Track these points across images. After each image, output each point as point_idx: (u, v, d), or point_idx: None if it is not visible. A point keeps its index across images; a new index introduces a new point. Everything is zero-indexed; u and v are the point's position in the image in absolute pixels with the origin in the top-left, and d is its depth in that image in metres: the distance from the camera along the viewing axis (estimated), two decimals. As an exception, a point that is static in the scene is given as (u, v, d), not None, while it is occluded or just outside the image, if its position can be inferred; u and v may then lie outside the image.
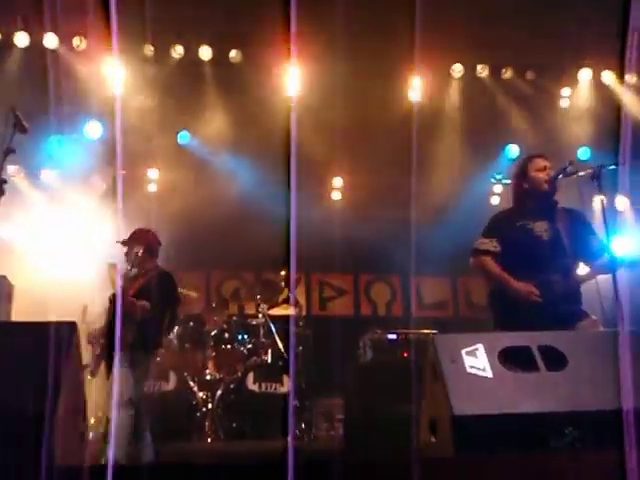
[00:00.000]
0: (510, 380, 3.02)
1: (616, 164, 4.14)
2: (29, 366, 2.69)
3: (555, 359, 3.12)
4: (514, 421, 2.88)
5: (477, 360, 3.07)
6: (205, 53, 8.34)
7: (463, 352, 3.10)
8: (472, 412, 2.87)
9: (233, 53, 8.41)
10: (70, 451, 2.77)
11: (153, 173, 8.53)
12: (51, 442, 2.54)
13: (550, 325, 3.89)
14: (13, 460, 2.47)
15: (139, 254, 5.16)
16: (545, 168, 4.43)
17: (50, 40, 8.02)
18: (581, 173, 4.19)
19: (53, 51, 8.08)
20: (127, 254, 5.24)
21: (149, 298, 4.93)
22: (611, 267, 3.97)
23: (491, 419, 2.87)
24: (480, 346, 3.12)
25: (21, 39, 7.99)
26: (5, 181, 3.69)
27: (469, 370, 3.03)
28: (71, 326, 2.92)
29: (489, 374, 3.02)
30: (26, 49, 8.05)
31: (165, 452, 5.29)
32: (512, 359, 3.14)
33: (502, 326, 4.29)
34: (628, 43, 6.68)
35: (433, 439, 3.14)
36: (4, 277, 6.15)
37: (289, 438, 5.90)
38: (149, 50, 8.22)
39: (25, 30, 8.00)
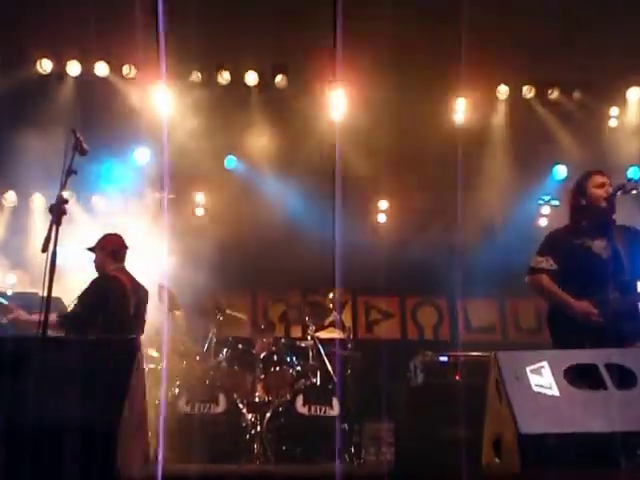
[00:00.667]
0: (578, 398, 2.94)
1: (678, 180, 4.06)
2: (93, 381, 2.71)
3: (624, 377, 3.04)
4: (583, 440, 2.80)
5: (542, 378, 3.00)
6: (251, 78, 8.45)
7: (528, 370, 3.03)
8: (539, 431, 2.80)
9: (279, 78, 8.51)
10: (132, 466, 2.78)
11: (200, 197, 8.63)
12: (115, 456, 2.55)
13: (610, 343, 3.81)
14: (79, 475, 2.48)
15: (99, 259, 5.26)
16: (604, 185, 4.37)
17: (101, 68, 8.23)
18: (641, 190, 4.12)
19: (104, 79, 8.30)
20: (95, 261, 5.31)
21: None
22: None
23: (559, 438, 2.80)
24: (545, 364, 3.06)
25: (73, 68, 8.21)
26: (67, 201, 3.77)
27: (535, 388, 2.97)
28: (134, 343, 2.94)
29: (556, 392, 2.95)
30: (78, 77, 8.26)
31: (214, 474, 5.26)
32: (579, 377, 3.07)
33: (561, 345, 4.21)
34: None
35: (497, 458, 3.07)
36: (59, 299, 6.24)
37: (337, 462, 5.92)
38: (196, 76, 8.38)
39: (77, 59, 8.23)
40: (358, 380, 6.74)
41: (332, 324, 7.44)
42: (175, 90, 8.36)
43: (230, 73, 8.45)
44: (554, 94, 8.74)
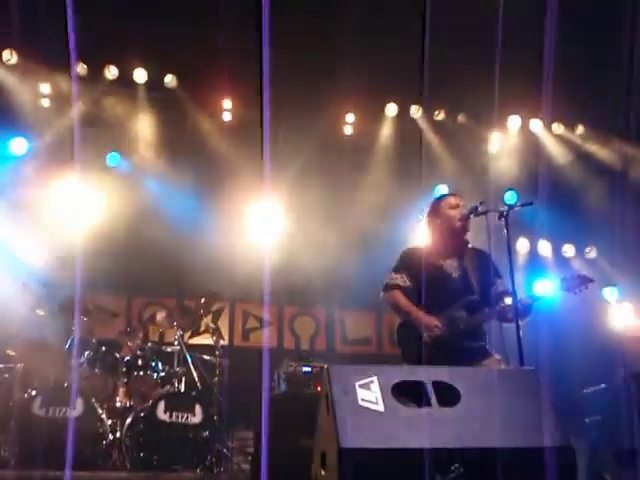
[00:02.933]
0: (401, 414, 2.99)
1: (524, 205, 4.24)
2: None
3: (449, 395, 3.12)
4: (401, 456, 2.85)
5: (370, 393, 3.04)
6: (140, 76, 8.27)
7: (357, 384, 3.07)
8: (359, 445, 2.83)
9: (169, 78, 8.38)
10: None
11: (78, 194, 8.33)
12: None
13: (454, 361, 3.92)
14: None
15: None
16: (457, 206, 4.51)
17: (-22, 52, 7.86)
18: (490, 212, 4.27)
19: (-19, 63, 7.92)
20: None
21: None
22: (513, 311, 4.04)
23: (378, 453, 2.84)
24: (375, 379, 3.10)
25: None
26: None
27: (361, 403, 3.00)
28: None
29: (380, 408, 3.00)
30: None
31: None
32: (406, 393, 3.13)
33: (408, 360, 4.32)
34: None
35: (322, 471, 3.09)
36: None
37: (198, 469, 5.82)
38: (82, 68, 8.12)
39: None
40: (225, 388, 6.67)
41: (208, 330, 7.36)
42: (59, 81, 8.07)
43: (118, 69, 8.25)
44: (440, 116, 9.01)
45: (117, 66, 8.23)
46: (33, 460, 5.45)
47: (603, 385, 6.46)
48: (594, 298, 8.15)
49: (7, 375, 6.14)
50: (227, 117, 8.49)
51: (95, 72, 8.19)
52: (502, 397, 3.17)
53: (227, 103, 8.46)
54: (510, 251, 4.07)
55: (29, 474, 5.42)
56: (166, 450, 5.87)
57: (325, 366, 3.29)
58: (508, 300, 4.22)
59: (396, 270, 4.54)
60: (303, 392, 5.85)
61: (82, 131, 8.01)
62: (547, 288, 7.36)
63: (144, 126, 8.42)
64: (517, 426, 3.05)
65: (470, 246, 4.53)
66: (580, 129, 9.22)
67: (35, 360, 6.20)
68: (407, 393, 3.13)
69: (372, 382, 3.08)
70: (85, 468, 5.63)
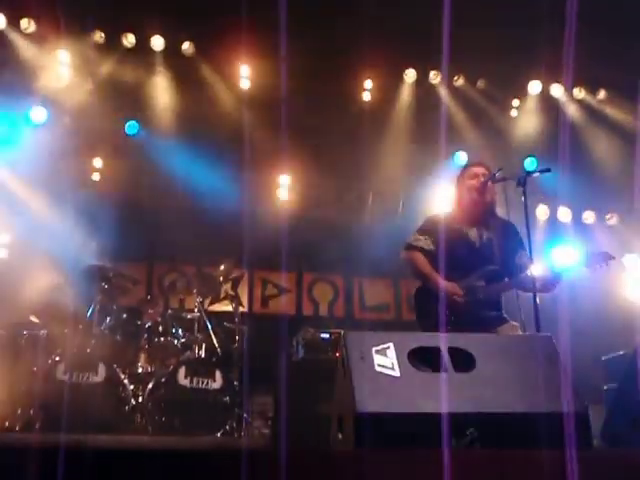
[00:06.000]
0: (417, 380, 3.02)
1: (542, 172, 4.21)
2: None
3: (464, 361, 3.13)
4: (417, 420, 2.88)
5: (386, 359, 3.07)
6: (157, 43, 8.25)
7: (373, 350, 3.09)
8: (375, 410, 2.87)
9: (186, 45, 8.35)
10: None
11: (98, 162, 8.39)
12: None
13: (470, 328, 3.94)
14: None
15: None
16: (477, 176, 4.49)
17: (-3, 20, 7.87)
18: (508, 180, 4.25)
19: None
20: None
21: None
22: (531, 283, 4.03)
23: (394, 418, 2.87)
24: (391, 345, 3.12)
25: (-34, 17, 7.82)
26: None
27: (377, 368, 3.03)
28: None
29: (397, 373, 3.02)
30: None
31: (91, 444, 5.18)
32: (422, 359, 3.15)
33: (425, 326, 4.34)
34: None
35: (340, 434, 3.13)
36: None
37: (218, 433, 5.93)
38: (100, 36, 8.11)
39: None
40: (245, 354, 6.74)
41: (227, 297, 7.43)
42: (77, 49, 8.07)
43: (135, 36, 8.23)
44: (459, 81, 8.91)
45: (134, 33, 8.20)
46: (57, 424, 5.57)
47: (621, 352, 6.46)
48: (613, 265, 8.09)
49: (31, 341, 6.25)
50: (245, 84, 8.44)
51: (112, 40, 8.18)
52: (517, 362, 3.19)
53: (245, 70, 8.39)
54: (527, 218, 4.05)
55: (53, 437, 5.55)
56: (187, 415, 5.98)
57: (342, 332, 3.31)
58: (530, 271, 4.19)
59: (421, 232, 4.55)
60: (321, 358, 5.90)
61: (100, 99, 8.06)
62: (567, 258, 7.33)
63: (162, 94, 8.40)
64: (532, 391, 3.06)
65: (499, 217, 4.51)
66: (602, 94, 9.07)
67: (58, 327, 6.31)
68: (423, 359, 3.16)
69: (388, 348, 3.10)
70: (108, 432, 5.75)
